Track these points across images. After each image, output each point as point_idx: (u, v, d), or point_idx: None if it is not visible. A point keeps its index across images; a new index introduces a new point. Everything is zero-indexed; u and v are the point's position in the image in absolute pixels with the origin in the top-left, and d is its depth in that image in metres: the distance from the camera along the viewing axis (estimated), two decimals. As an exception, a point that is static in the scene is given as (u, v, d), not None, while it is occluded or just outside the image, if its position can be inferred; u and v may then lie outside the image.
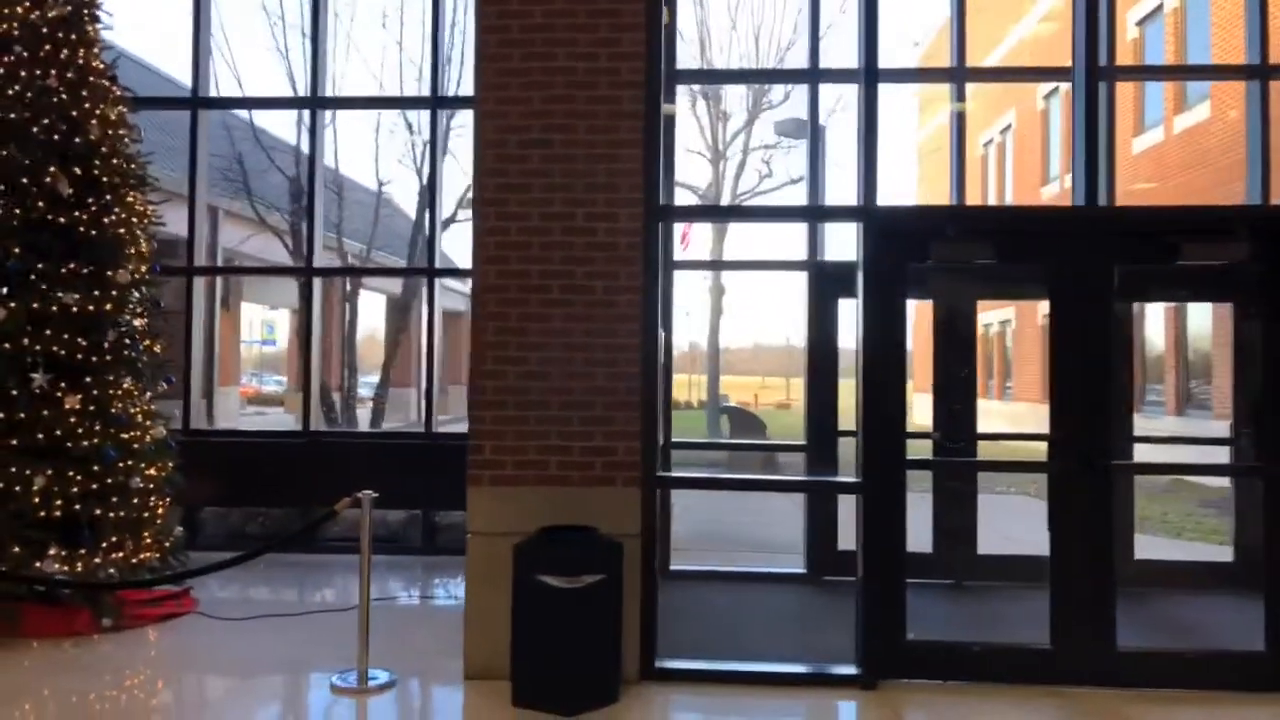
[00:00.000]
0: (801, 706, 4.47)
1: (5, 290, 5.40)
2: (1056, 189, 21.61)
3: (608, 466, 4.70)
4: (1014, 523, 8.25)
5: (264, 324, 29.93)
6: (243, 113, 11.45)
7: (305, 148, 12.06)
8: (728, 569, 7.13)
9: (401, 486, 7.71)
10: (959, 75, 6.84)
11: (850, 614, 5.59)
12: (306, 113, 11.52)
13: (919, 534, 6.42)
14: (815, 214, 5.27)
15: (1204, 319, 15.24)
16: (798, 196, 19.45)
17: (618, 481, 4.70)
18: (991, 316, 23.61)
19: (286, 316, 25.68)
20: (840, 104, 18.68)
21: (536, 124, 4.79)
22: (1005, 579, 6.76)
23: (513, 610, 4.38)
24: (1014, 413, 21.34)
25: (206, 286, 7.82)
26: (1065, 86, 22.30)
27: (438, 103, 8.04)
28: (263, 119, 11.94)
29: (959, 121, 7.04)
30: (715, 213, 5.44)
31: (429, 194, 7.89)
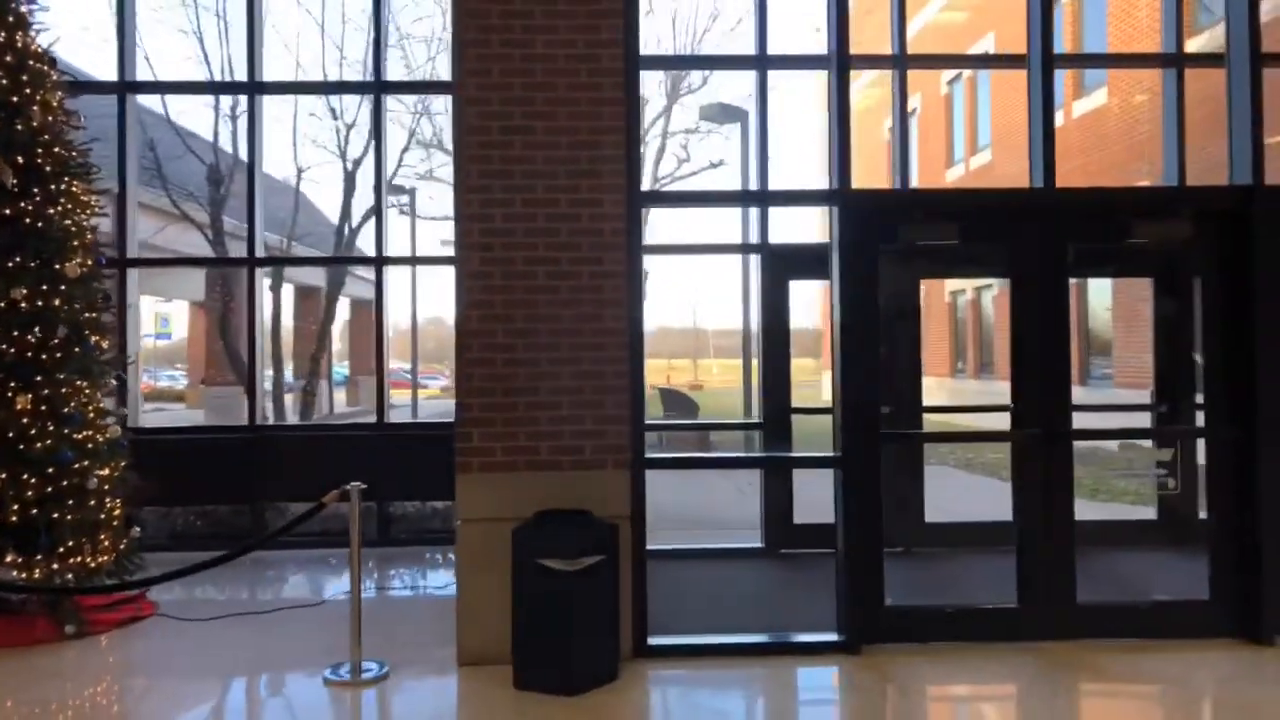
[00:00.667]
0: (795, 674, 4.64)
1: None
2: (961, 171, 22.46)
3: (598, 450, 4.77)
4: (943, 492, 8.66)
5: (159, 317, 28.83)
6: (155, 101, 10.98)
7: (225, 136, 11.74)
8: (689, 546, 7.27)
9: (354, 479, 7.63)
10: (899, 63, 7.07)
11: (814, 584, 5.89)
12: (226, 100, 11.34)
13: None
14: (791, 198, 5.40)
15: (1104, 294, 16.11)
16: (720, 181, 19.65)
17: (608, 465, 4.77)
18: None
19: (185, 309, 24.72)
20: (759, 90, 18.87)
21: (518, 110, 4.79)
22: (948, 545, 7.12)
23: (513, 594, 4.42)
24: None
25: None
26: (967, 73, 22.93)
27: (381, 87, 7.87)
28: (176, 107, 11.46)
29: (901, 107, 7.29)
30: (696, 198, 5.51)
31: (375, 180, 7.71)
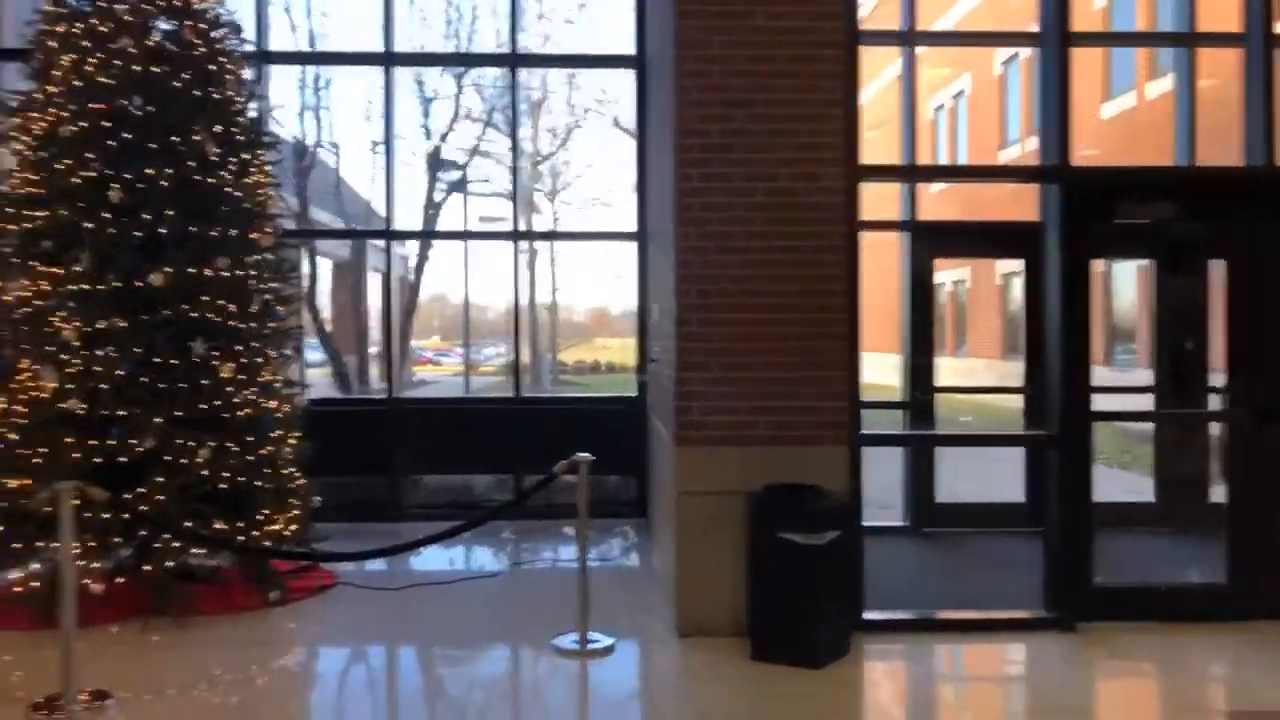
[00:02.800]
0: (1023, 649, 4.66)
1: (161, 255, 5.12)
2: (1016, 152, 22.25)
3: (816, 426, 4.77)
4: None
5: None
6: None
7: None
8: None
9: (491, 451, 7.68)
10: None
11: (980, 562, 5.93)
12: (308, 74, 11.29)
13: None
14: (1012, 174, 5.36)
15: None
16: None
17: (826, 440, 4.77)
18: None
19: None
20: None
21: (738, 83, 4.77)
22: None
23: (749, 567, 4.45)
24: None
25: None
26: (1025, 53, 22.58)
27: (517, 60, 7.85)
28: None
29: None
30: (915, 173, 5.47)
31: (512, 155, 7.69)
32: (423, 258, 13.30)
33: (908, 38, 7.00)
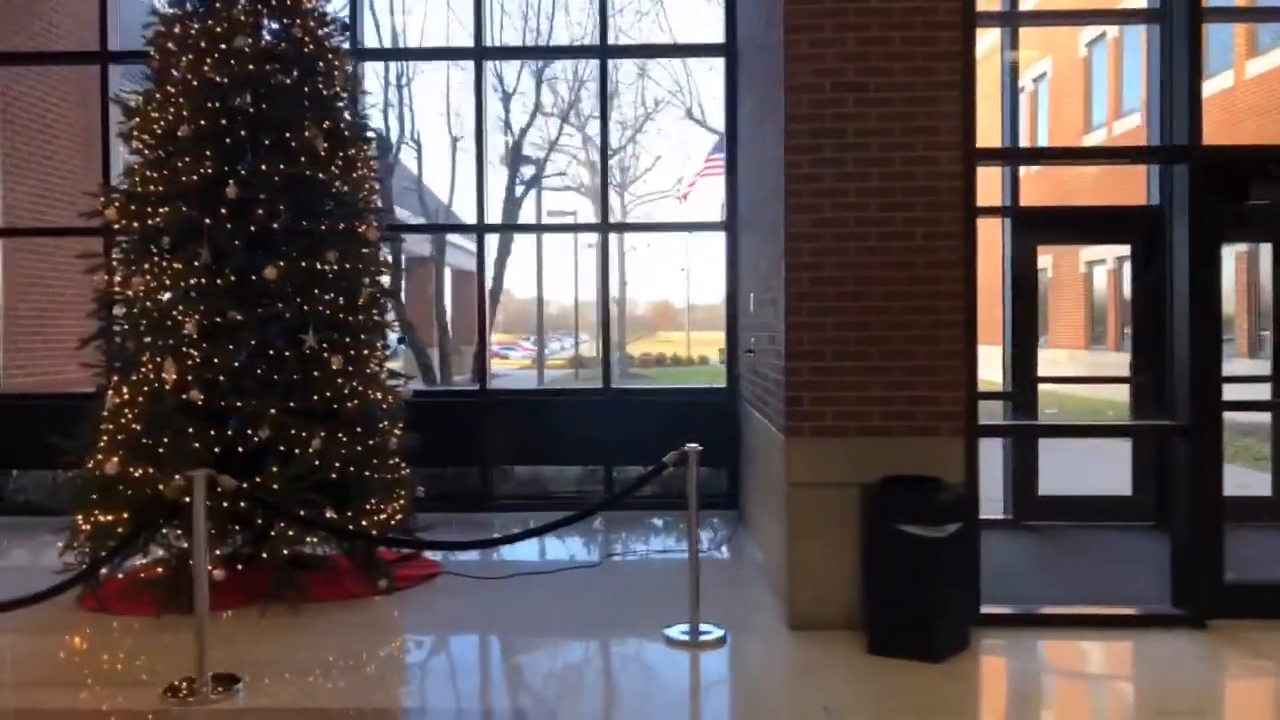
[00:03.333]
0: (1154, 647, 4.47)
1: (273, 249, 5.23)
2: (1102, 136, 21.54)
3: (932, 416, 4.66)
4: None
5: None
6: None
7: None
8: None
9: (583, 443, 7.68)
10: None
11: (1078, 557, 5.84)
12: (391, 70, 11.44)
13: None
14: (1135, 154, 5.18)
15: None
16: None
17: (942, 431, 4.66)
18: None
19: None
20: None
21: (851, 67, 4.67)
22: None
23: (865, 559, 4.37)
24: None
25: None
26: (1113, 33, 21.66)
27: (605, 52, 7.83)
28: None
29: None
30: (1033, 155, 5.34)
31: (601, 149, 7.66)
32: (503, 252, 13.42)
33: (1023, 18, 6.75)
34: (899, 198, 4.67)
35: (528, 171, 15.47)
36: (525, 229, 14.17)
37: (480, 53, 7.82)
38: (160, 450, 5.03)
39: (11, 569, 6.30)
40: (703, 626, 4.60)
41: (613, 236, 19.71)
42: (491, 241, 13.59)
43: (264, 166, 5.19)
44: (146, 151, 5.31)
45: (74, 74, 9.31)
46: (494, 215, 12.26)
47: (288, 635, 4.70)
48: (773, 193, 5.34)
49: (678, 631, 4.59)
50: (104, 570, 4.87)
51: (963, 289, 4.66)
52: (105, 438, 5.22)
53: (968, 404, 4.67)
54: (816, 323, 4.69)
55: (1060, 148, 19.37)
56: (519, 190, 13.21)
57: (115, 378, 5.35)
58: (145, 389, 5.16)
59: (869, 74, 4.66)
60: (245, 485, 4.49)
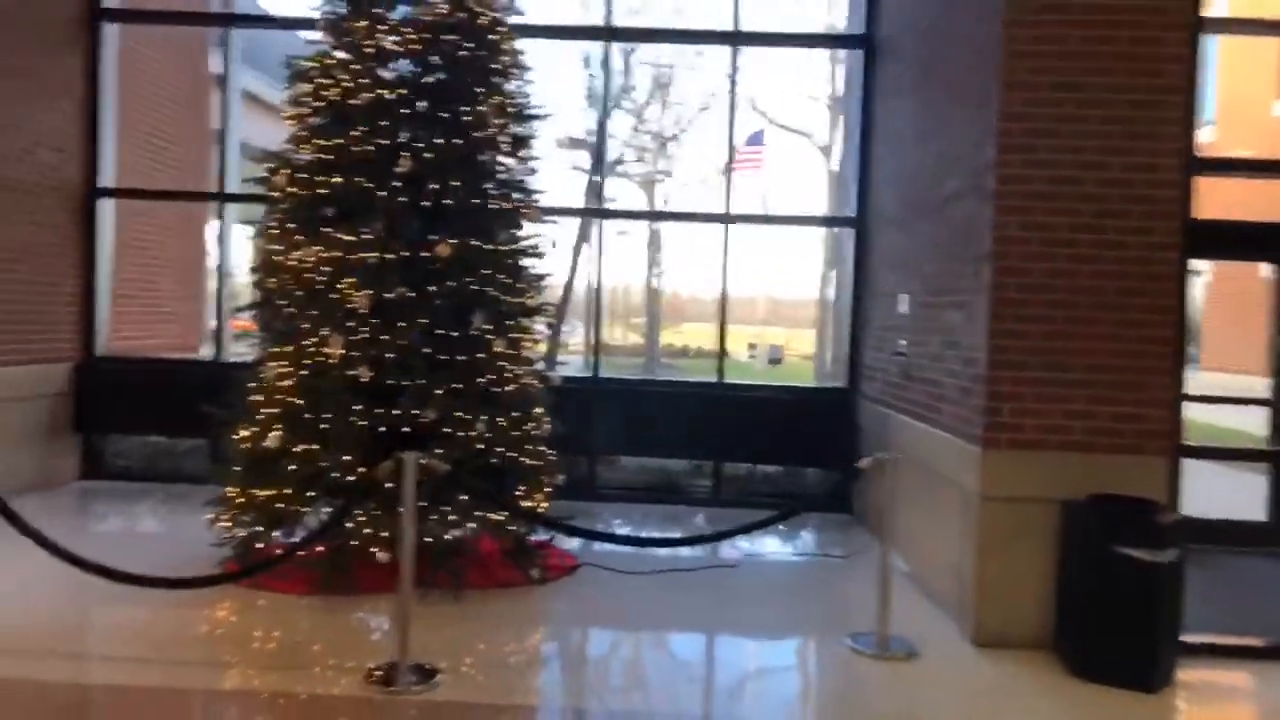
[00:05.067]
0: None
1: (444, 226, 5.08)
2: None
3: (1138, 435, 4.48)
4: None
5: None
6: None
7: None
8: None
9: (693, 436, 7.52)
10: None
11: (1236, 586, 5.68)
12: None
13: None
14: None
15: None
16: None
17: (1146, 450, 4.48)
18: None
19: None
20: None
21: (1070, 66, 4.47)
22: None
23: (1067, 579, 4.22)
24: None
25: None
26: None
27: (739, 39, 7.63)
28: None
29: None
30: (1260, 167, 5.19)
31: (729, 136, 7.48)
32: (581, 239, 13.26)
33: (1249, 26, 6.47)
34: (1115, 205, 4.47)
35: (612, 156, 15.40)
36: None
37: (612, 33, 7.64)
38: (323, 427, 4.90)
39: (140, 536, 6.23)
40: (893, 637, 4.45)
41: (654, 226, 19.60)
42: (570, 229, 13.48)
43: (440, 140, 5.04)
44: (317, 119, 5.16)
45: (184, 36, 9.20)
46: (574, 201, 12.14)
47: (460, 624, 4.57)
48: (954, 192, 5.16)
49: (862, 642, 4.44)
50: (283, 551, 4.72)
51: (1176, 303, 4.47)
52: (261, 410, 5.09)
53: (1173, 422, 4.49)
54: (1022, 330, 4.51)
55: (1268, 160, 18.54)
56: (598, 178, 13.02)
57: (271, 349, 5.21)
58: (307, 364, 5.02)
59: (1089, 74, 4.46)
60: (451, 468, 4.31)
